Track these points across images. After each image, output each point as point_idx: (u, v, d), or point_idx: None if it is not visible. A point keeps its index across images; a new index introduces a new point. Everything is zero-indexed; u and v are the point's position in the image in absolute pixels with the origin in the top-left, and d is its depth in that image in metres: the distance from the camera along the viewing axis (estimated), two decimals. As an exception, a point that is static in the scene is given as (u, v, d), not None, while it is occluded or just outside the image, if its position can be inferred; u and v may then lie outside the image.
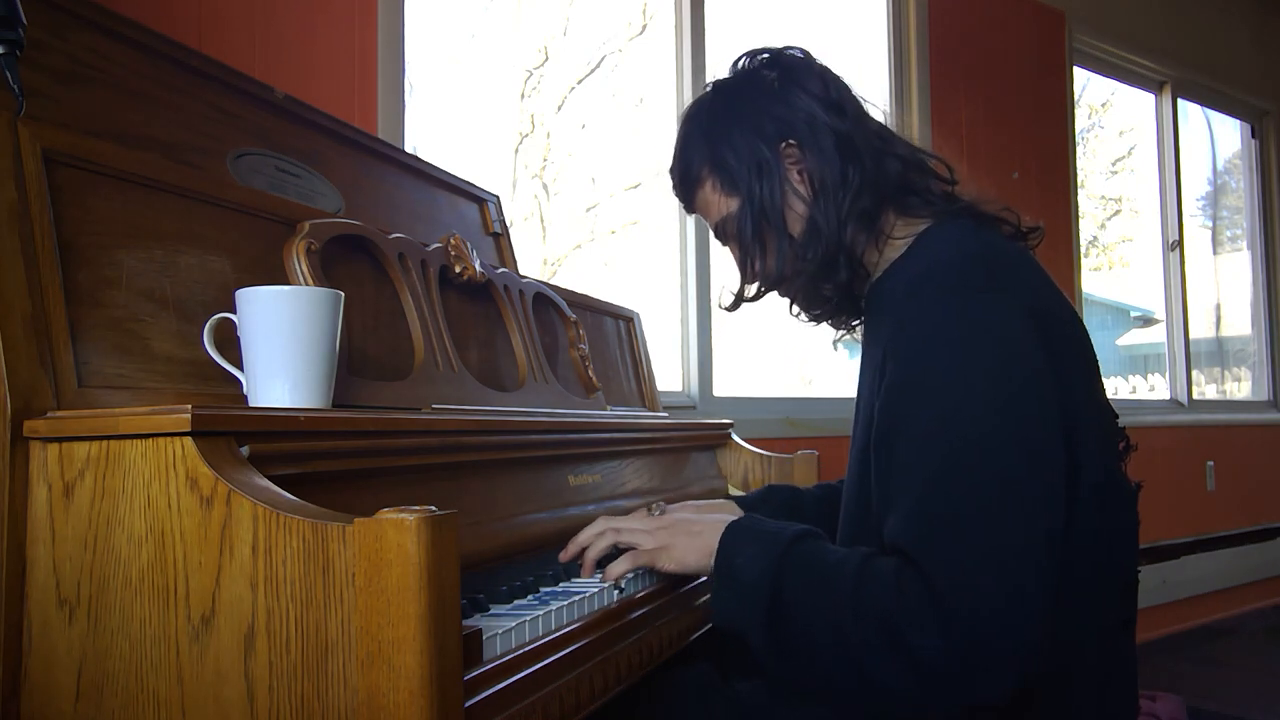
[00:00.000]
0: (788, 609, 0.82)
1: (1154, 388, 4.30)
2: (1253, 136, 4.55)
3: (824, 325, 1.15)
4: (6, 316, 0.71)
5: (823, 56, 1.09)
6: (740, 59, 1.09)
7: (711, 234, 1.12)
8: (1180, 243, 4.09)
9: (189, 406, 0.66)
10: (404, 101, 1.87)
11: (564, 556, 1.00)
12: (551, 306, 1.42)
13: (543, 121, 2.61)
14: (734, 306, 1.10)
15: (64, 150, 0.79)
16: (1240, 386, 4.63)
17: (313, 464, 0.77)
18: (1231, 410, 4.30)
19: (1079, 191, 3.63)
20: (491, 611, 0.81)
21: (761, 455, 1.65)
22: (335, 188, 1.26)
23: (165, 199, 0.87)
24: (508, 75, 2.51)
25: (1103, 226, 4.32)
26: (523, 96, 2.57)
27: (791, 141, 1.01)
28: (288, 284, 0.94)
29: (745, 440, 1.69)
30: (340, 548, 0.60)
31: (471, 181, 1.60)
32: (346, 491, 0.81)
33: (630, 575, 0.97)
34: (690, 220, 2.50)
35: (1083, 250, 3.70)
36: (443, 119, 2.26)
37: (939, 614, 0.74)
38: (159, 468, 0.67)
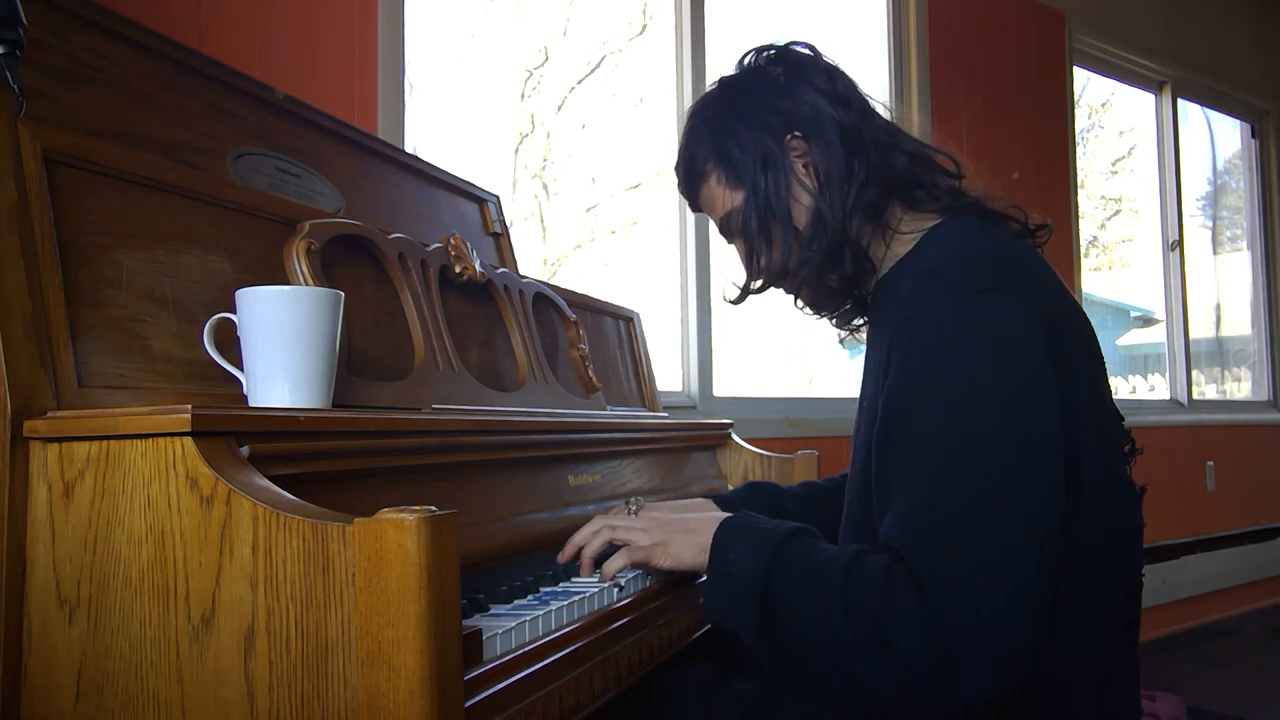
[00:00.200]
0: (778, 605, 0.82)
1: (1154, 388, 4.30)
2: (1253, 136, 4.55)
3: (827, 322, 1.15)
4: (6, 316, 0.71)
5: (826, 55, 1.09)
6: (747, 55, 1.09)
7: (715, 231, 1.12)
8: (1180, 243, 4.09)
9: (189, 406, 0.66)
10: (404, 101, 1.87)
11: (562, 558, 1.00)
12: (551, 306, 1.42)
13: (543, 121, 2.61)
14: (740, 299, 1.10)
15: (64, 150, 0.79)
16: (1240, 386, 4.63)
17: (313, 464, 0.77)
18: (1231, 410, 4.30)
19: (1079, 191, 3.63)
20: (491, 611, 0.81)
21: (761, 455, 1.66)
22: (335, 188, 1.26)
23: (165, 199, 0.87)
24: (508, 75, 2.51)
25: (1103, 226, 4.32)
26: (523, 96, 2.57)
27: (797, 134, 1.01)
28: (288, 284, 0.94)
29: (745, 440, 1.70)
30: (340, 548, 0.60)
31: (471, 181, 1.60)
32: (346, 491, 0.81)
33: (630, 575, 0.97)
34: (690, 220, 2.50)
35: (1083, 250, 3.70)
36: (443, 119, 2.26)
37: (926, 614, 0.74)
38: (159, 468, 0.67)
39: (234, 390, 0.86)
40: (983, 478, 0.78)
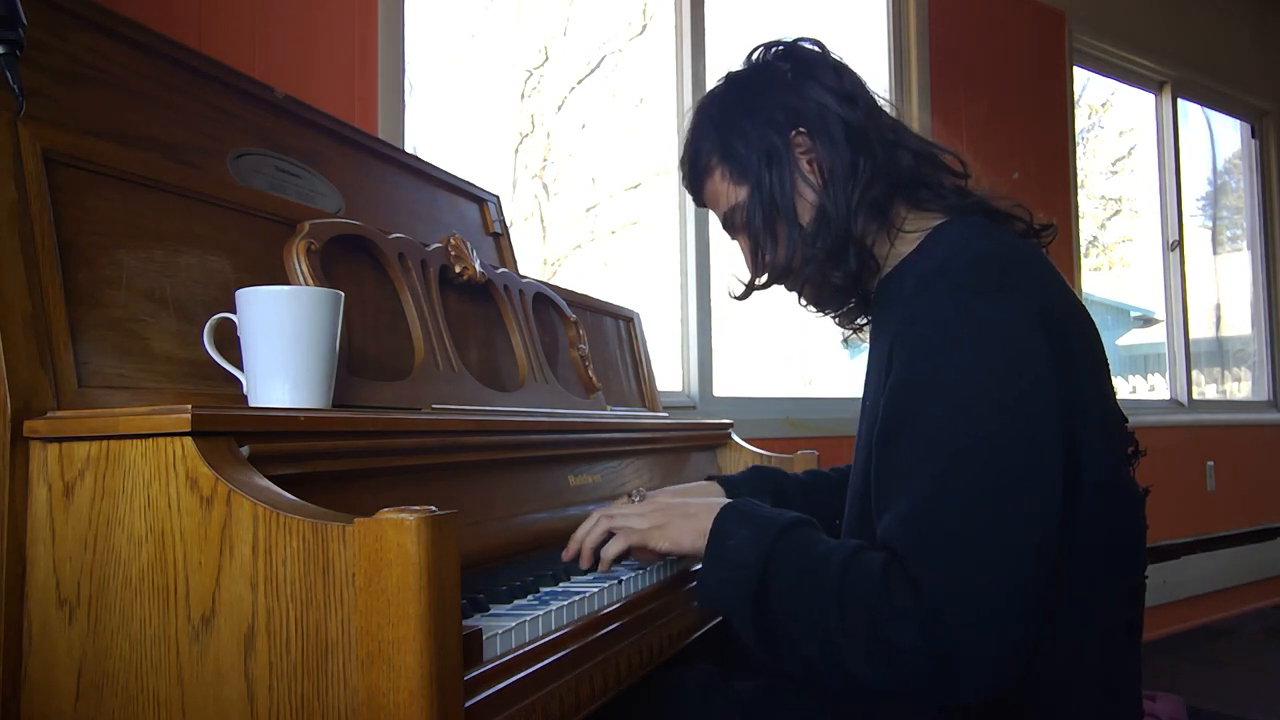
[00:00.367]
0: (774, 595, 0.82)
1: (1154, 388, 4.30)
2: (1253, 136, 4.55)
3: (829, 320, 1.14)
4: (6, 316, 0.71)
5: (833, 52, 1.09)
6: (755, 51, 1.09)
7: (715, 231, 1.12)
8: (1180, 243, 4.09)
9: (189, 406, 0.66)
10: (404, 101, 1.87)
11: (566, 555, 1.00)
12: (551, 306, 1.42)
13: (543, 121, 2.61)
14: (744, 296, 1.10)
15: (64, 150, 0.79)
16: (1240, 386, 4.63)
17: (313, 464, 0.77)
18: (1231, 410, 4.30)
19: (1079, 191, 3.63)
20: (491, 611, 0.81)
21: (761, 455, 1.65)
22: (335, 188, 1.26)
23: (165, 199, 0.87)
24: (508, 75, 2.51)
25: (1103, 226, 4.32)
26: (523, 96, 2.57)
27: (802, 130, 1.01)
28: (288, 284, 0.94)
29: (745, 440, 1.69)
30: (340, 548, 0.60)
31: (471, 181, 1.60)
32: (346, 491, 0.81)
33: (630, 574, 0.97)
34: (690, 220, 2.50)
35: (1083, 250, 3.70)
36: (443, 119, 2.26)
37: (924, 613, 0.74)
38: (159, 468, 0.67)
39: (234, 390, 0.86)
40: (984, 478, 0.78)
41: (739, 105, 1.05)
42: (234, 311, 0.84)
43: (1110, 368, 0.95)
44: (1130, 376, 4.44)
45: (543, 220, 2.62)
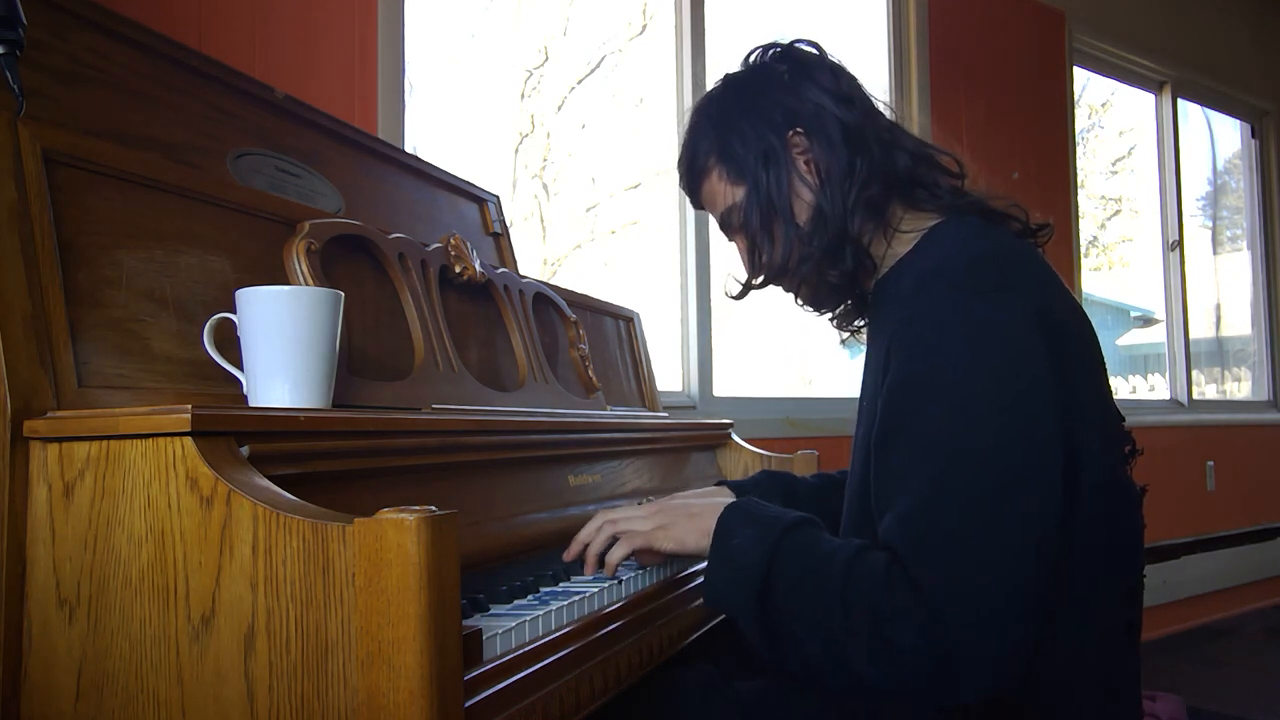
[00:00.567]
0: (778, 594, 0.83)
1: (1154, 388, 4.30)
2: (1253, 136, 4.55)
3: (827, 320, 1.15)
4: (6, 316, 0.71)
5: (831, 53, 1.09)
6: (752, 52, 1.09)
7: (715, 231, 1.12)
8: (1180, 243, 4.09)
9: (189, 406, 0.66)
10: (404, 101, 1.87)
11: (568, 556, 1.00)
12: (551, 306, 1.42)
13: (543, 121, 2.61)
14: (742, 295, 1.10)
15: (64, 150, 0.79)
16: (1240, 386, 4.63)
17: (313, 464, 0.77)
18: (1231, 410, 4.30)
19: (1079, 191, 3.63)
20: (491, 611, 0.81)
21: (761, 455, 1.66)
22: (335, 188, 1.26)
23: (165, 199, 0.87)
24: (508, 75, 2.51)
25: (1103, 226, 4.32)
26: (523, 96, 2.57)
27: (799, 131, 1.01)
28: (288, 284, 0.94)
29: (745, 440, 1.70)
30: (340, 548, 0.60)
31: (471, 181, 1.60)
32: (346, 491, 0.81)
33: (630, 574, 0.97)
34: (690, 220, 2.50)
35: (1083, 250, 3.70)
36: (443, 119, 2.26)
37: (925, 614, 0.74)
38: (159, 468, 0.67)
39: (234, 390, 0.86)
40: (983, 479, 0.78)
41: (737, 106, 1.05)
42: (234, 311, 0.84)
43: (1107, 367, 0.95)
44: (1130, 376, 4.44)
45: (543, 220, 2.62)
